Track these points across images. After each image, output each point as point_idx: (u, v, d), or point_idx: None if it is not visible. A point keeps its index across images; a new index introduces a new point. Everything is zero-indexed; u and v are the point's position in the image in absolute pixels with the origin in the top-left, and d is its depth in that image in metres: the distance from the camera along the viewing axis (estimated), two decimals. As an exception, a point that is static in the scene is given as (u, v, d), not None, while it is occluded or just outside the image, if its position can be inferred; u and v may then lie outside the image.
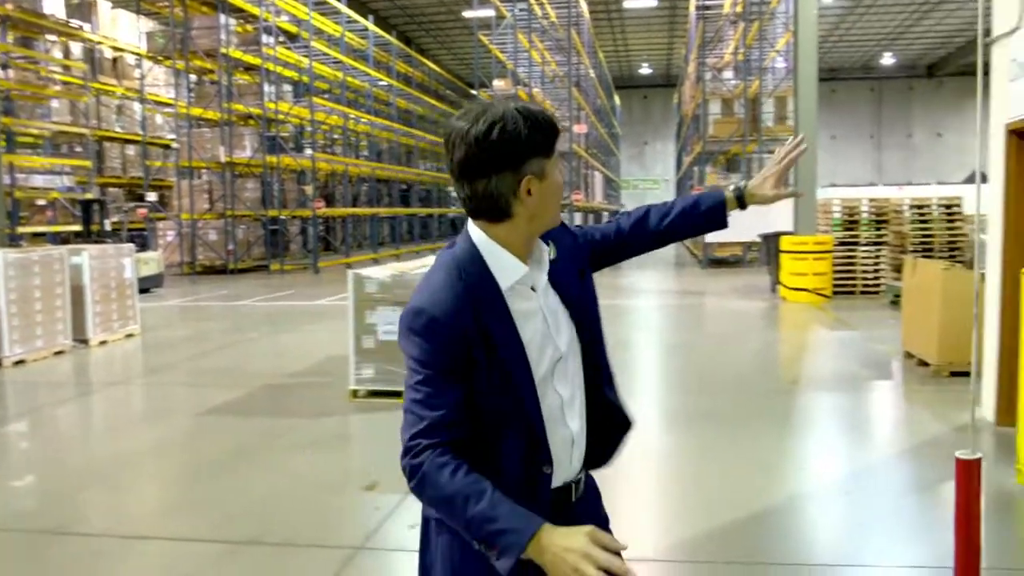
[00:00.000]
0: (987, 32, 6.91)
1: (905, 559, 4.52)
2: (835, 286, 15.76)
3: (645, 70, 48.38)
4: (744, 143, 24.75)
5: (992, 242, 6.88)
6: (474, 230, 1.82)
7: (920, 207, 16.68)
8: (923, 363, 8.90)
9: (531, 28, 24.93)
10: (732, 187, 2.15)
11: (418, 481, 1.69)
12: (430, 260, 9.62)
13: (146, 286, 17.07)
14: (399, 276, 8.05)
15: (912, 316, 9.47)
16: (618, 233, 2.15)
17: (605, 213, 39.83)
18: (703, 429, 6.95)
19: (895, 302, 14.42)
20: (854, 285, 16.05)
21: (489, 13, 25.50)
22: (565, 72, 27.06)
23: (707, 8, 27.15)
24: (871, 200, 17.12)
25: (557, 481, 1.84)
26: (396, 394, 7.89)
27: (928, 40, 41.25)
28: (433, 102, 38.37)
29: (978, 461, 2.46)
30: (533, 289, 1.84)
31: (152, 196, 25.02)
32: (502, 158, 1.71)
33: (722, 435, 6.76)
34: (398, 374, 8.03)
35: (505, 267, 1.78)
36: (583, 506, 1.94)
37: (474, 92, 35.39)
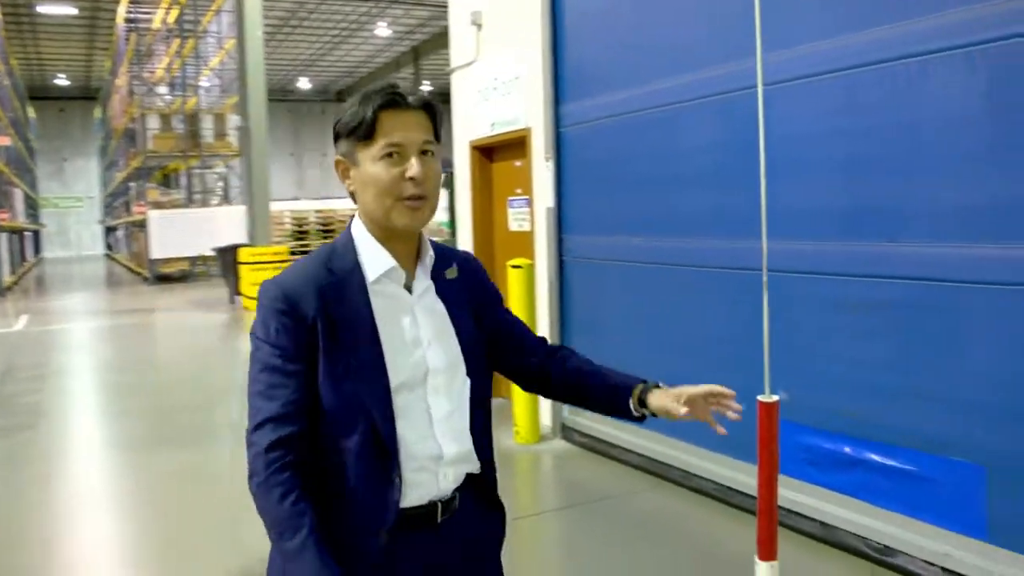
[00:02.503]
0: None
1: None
2: (294, 293, 16.12)
3: (62, 81, 44.16)
4: (185, 158, 24.08)
5: (463, 237, 7.71)
6: (355, 219, 1.71)
7: (361, 217, 17.93)
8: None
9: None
10: (642, 387, 1.76)
11: (253, 485, 1.57)
12: None
13: None
14: None
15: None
16: (527, 343, 1.90)
17: (28, 233, 35.62)
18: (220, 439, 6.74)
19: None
20: (310, 291, 16.60)
21: None
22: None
23: (137, 22, 25.82)
24: (318, 211, 17.92)
25: (417, 498, 1.66)
26: None
27: (338, 69, 44.04)
28: None
29: (777, 402, 2.81)
30: (409, 290, 1.70)
31: None
32: (334, 133, 1.68)
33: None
34: None
35: (372, 258, 1.66)
36: (457, 529, 1.72)
37: None
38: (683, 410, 1.68)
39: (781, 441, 4.30)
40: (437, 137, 1.67)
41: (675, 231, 4.95)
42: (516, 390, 6.10)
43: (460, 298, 1.78)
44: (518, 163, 6.97)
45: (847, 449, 3.96)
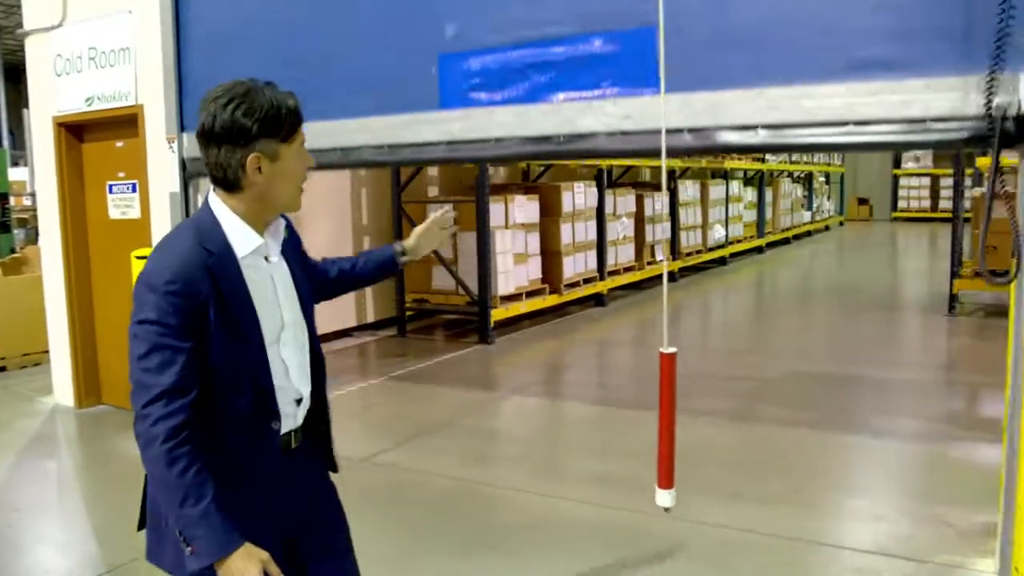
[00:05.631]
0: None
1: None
2: None
3: None
4: None
5: (49, 229, 6.51)
6: (213, 199, 1.82)
7: None
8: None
9: None
10: (397, 245, 2.32)
11: (150, 454, 1.66)
12: None
13: None
14: None
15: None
16: (331, 269, 2.25)
17: None
18: None
19: None
20: None
21: None
22: None
23: None
24: None
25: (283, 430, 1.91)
26: None
27: None
28: None
29: (674, 354, 2.53)
30: (267, 259, 1.87)
31: None
32: (231, 132, 1.72)
33: None
34: None
35: (241, 236, 1.80)
36: (303, 457, 1.98)
37: None
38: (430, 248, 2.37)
39: (443, 76, 3.86)
40: None
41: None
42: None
43: (296, 256, 2.00)
44: (120, 143, 6.08)
45: (517, 55, 3.66)
